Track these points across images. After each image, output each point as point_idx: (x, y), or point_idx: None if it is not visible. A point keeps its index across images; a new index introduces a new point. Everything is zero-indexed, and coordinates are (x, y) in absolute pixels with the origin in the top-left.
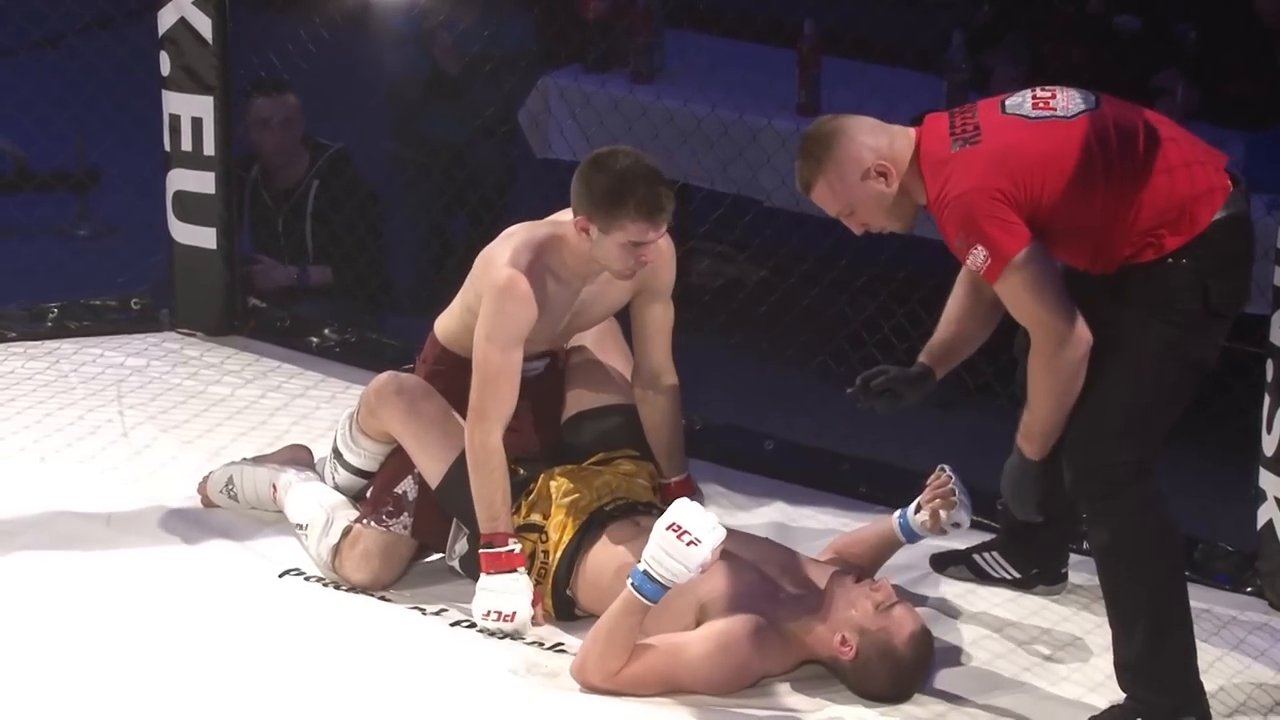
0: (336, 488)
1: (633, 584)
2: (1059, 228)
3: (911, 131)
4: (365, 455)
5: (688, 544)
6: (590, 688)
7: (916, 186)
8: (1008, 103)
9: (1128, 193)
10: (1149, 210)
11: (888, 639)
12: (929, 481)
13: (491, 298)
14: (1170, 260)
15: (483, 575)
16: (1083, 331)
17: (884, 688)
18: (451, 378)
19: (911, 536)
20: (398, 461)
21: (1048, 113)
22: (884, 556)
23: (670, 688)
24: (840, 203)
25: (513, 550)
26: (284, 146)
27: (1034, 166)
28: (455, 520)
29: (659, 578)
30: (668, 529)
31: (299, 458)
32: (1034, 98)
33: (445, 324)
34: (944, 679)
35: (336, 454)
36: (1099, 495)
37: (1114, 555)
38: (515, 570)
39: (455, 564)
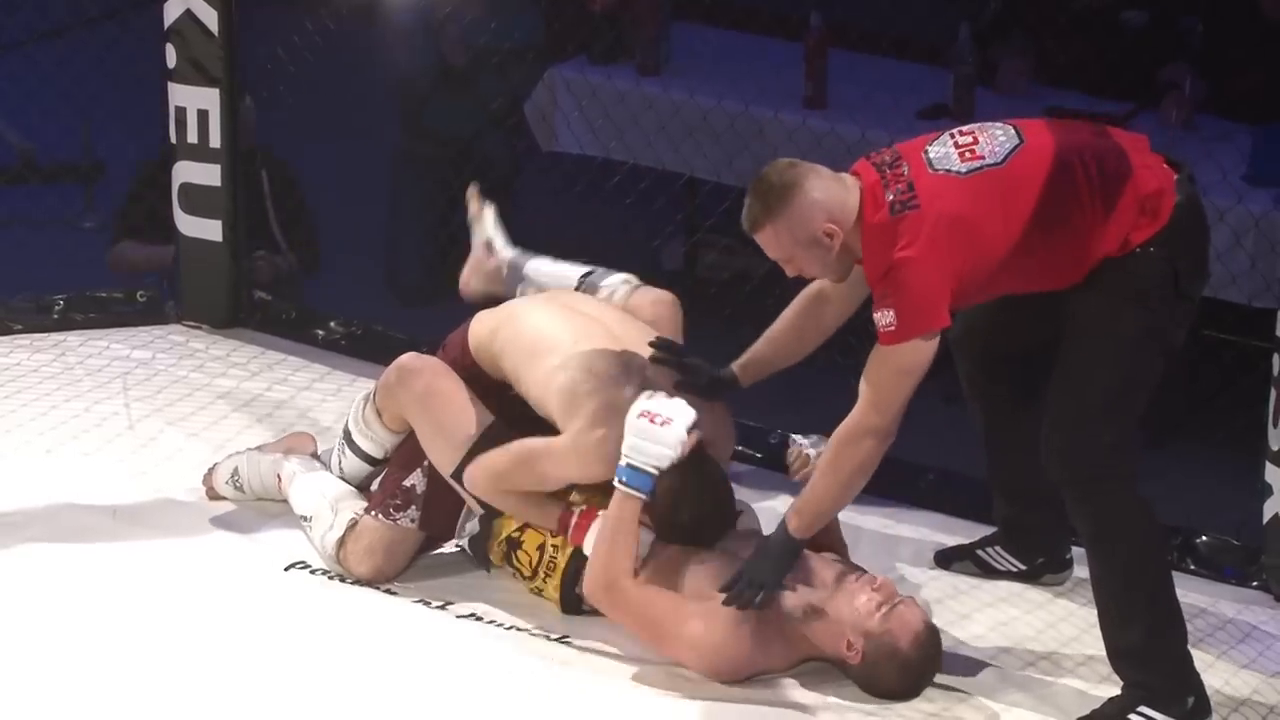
0: (342, 473)
1: (621, 481)
2: (1012, 270)
3: (857, 187)
4: (375, 440)
5: (660, 424)
6: (594, 600)
7: (856, 244)
8: (932, 156)
9: (1078, 220)
10: (1107, 228)
11: (893, 641)
12: (791, 463)
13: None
14: (1139, 251)
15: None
16: (891, 436)
17: (893, 687)
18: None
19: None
20: (407, 454)
21: (977, 163)
22: (831, 534)
23: (658, 640)
24: (782, 253)
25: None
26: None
27: (976, 232)
28: (466, 502)
29: (643, 466)
30: (639, 417)
31: (302, 445)
32: (956, 145)
33: (484, 340)
34: (951, 674)
35: (347, 436)
36: (1083, 478)
37: (1104, 539)
38: None
39: (464, 544)
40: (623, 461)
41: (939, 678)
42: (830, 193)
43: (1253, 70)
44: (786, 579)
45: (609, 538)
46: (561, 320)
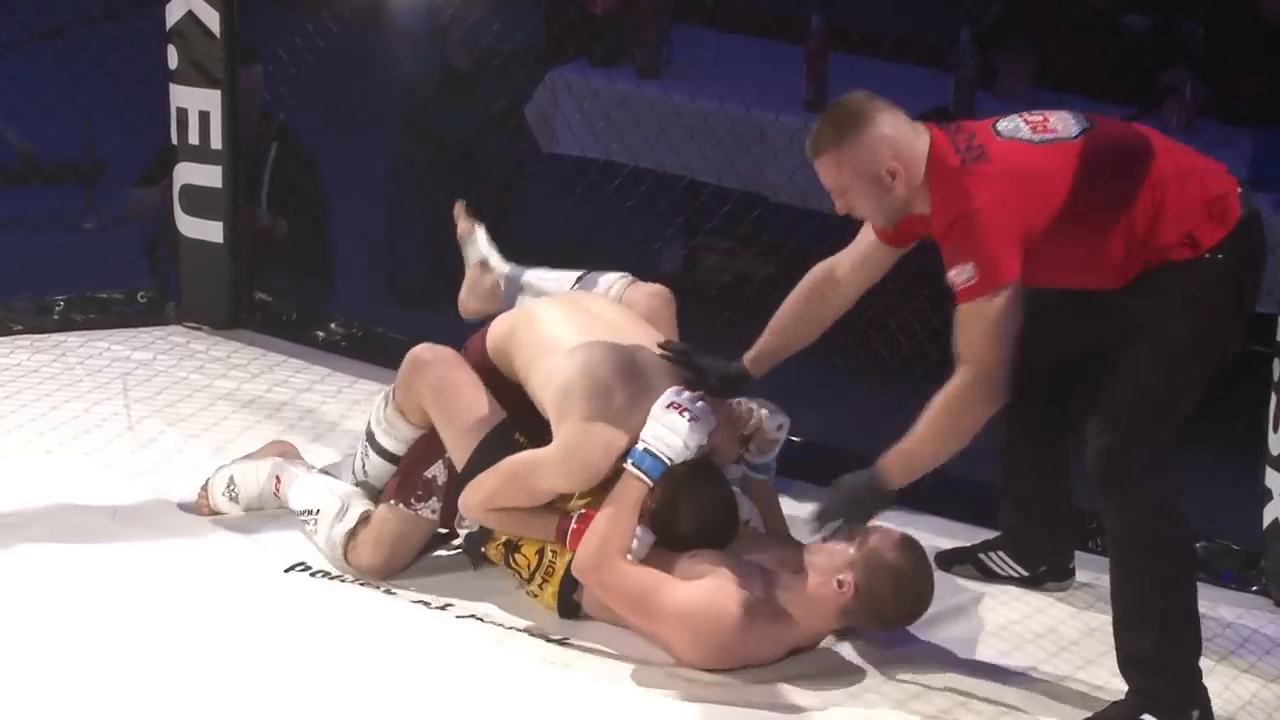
0: (366, 475)
1: (632, 463)
2: (1071, 248)
3: (927, 135)
4: (398, 438)
5: (688, 419)
6: (583, 574)
7: (918, 193)
8: (1000, 128)
9: (1145, 203)
10: (1172, 223)
11: (877, 556)
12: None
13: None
14: (1207, 256)
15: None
16: (1003, 395)
17: (897, 603)
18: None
19: (757, 470)
20: (427, 445)
21: (1049, 135)
22: (773, 509)
23: (645, 618)
24: (839, 183)
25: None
26: (248, 114)
27: (1050, 188)
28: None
29: (658, 453)
30: (668, 407)
31: (287, 452)
32: (1026, 121)
33: (501, 340)
34: (951, 677)
35: (369, 436)
36: (1124, 482)
37: (1134, 546)
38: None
39: (462, 537)
40: (640, 445)
41: (937, 680)
42: (901, 133)
43: (1254, 74)
44: (781, 571)
45: (608, 517)
46: (570, 319)
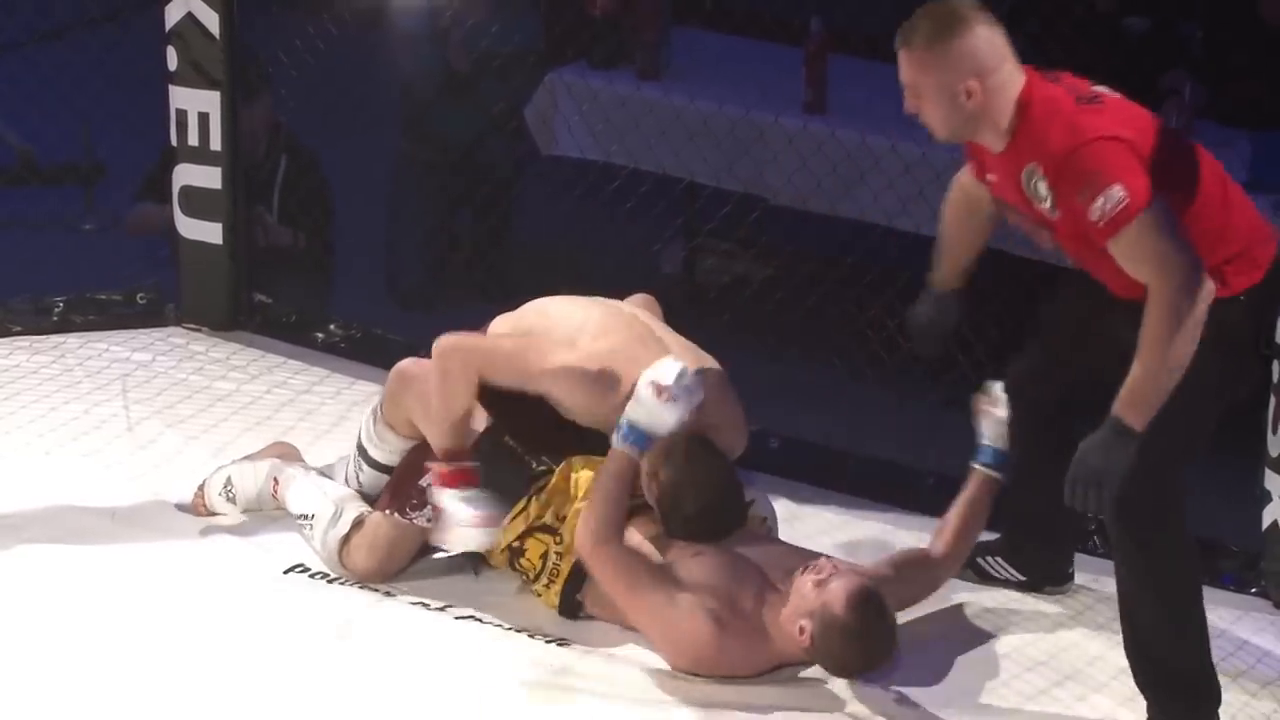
0: (361, 486)
1: (621, 435)
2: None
3: (1023, 72)
4: (388, 450)
5: (665, 400)
6: (581, 552)
7: (989, 124)
8: (1099, 88)
9: (1206, 221)
10: (1229, 237)
11: (828, 611)
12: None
13: None
14: (1240, 298)
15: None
16: (1209, 282)
17: (848, 658)
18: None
19: (995, 457)
20: (420, 455)
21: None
22: (982, 506)
23: (630, 608)
24: (914, 82)
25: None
26: (256, 135)
27: (1158, 141)
28: None
29: (645, 427)
30: (647, 385)
31: (288, 454)
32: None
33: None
34: (952, 684)
35: (361, 450)
36: (1146, 525)
37: (1151, 588)
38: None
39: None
40: (624, 417)
41: (928, 685)
42: (993, 57)
43: (1253, 77)
44: (777, 582)
45: (602, 495)
46: (585, 305)
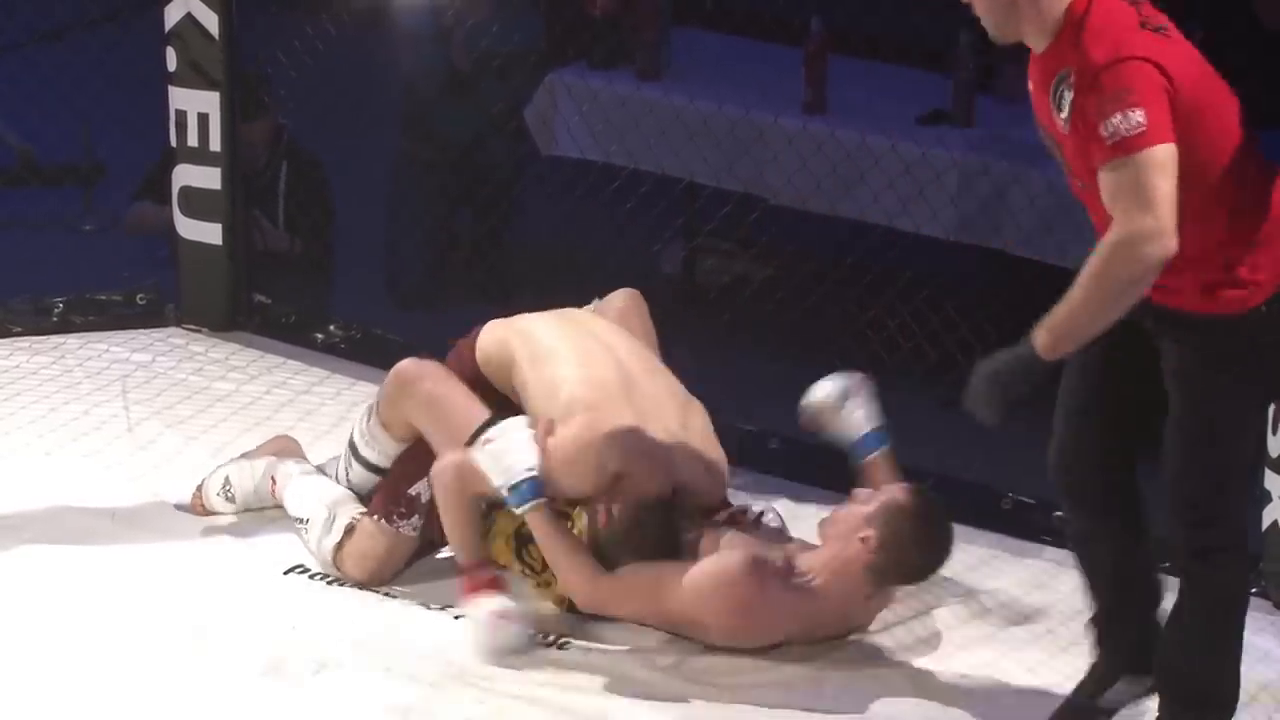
0: (350, 485)
1: (515, 507)
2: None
3: None
4: (381, 450)
5: (498, 438)
6: (590, 607)
7: (1041, 21)
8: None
9: (1257, 194)
10: (1245, 250)
11: (894, 503)
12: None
13: None
14: (1263, 309)
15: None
16: (1171, 248)
17: (919, 549)
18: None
19: (862, 445)
20: (412, 462)
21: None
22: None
23: (664, 607)
24: None
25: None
26: (256, 147)
27: (1218, 100)
28: None
29: (515, 480)
30: (482, 447)
31: (288, 448)
32: None
33: (492, 352)
34: (952, 686)
35: (353, 448)
36: (1213, 549)
37: (1216, 616)
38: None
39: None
40: (501, 490)
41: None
42: None
43: (1251, 78)
44: (774, 546)
45: (554, 552)
46: (572, 341)
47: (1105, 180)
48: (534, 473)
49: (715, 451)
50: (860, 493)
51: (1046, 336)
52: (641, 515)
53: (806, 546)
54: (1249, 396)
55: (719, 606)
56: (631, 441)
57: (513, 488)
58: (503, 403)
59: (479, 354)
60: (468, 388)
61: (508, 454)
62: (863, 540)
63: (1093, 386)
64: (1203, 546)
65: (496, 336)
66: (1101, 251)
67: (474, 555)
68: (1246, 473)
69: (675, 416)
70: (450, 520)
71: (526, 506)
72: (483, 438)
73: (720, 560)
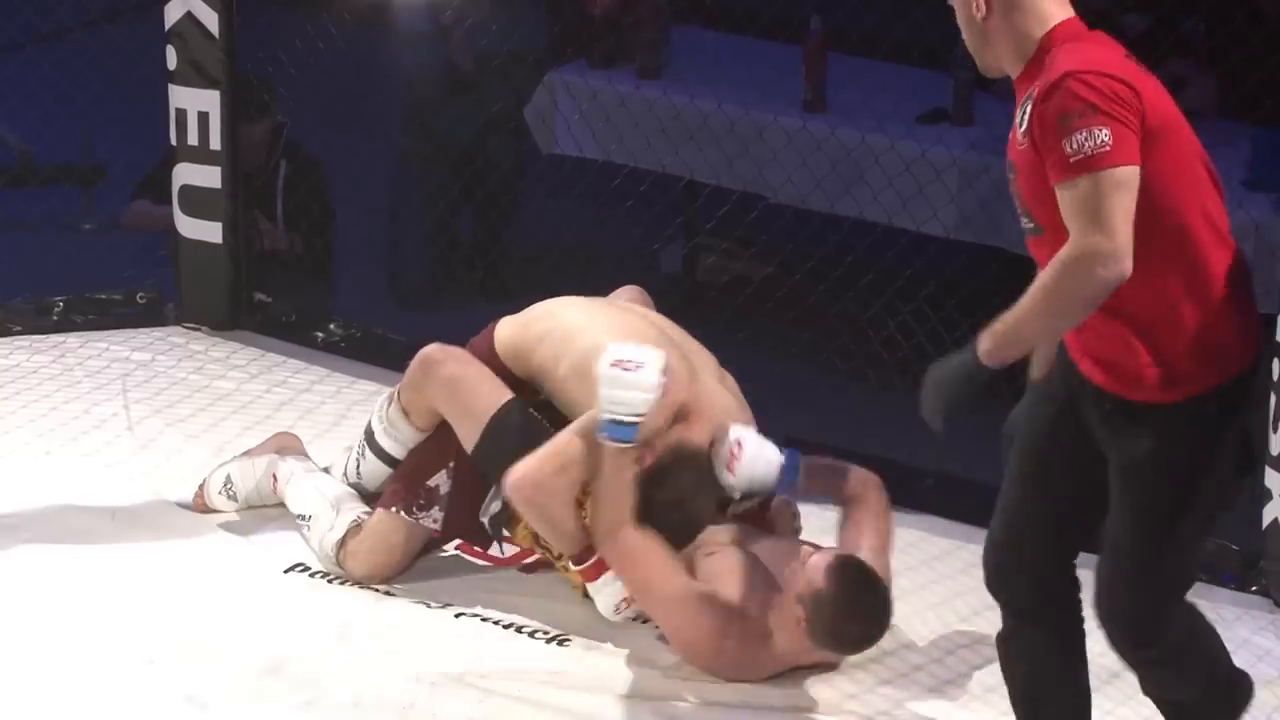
0: (360, 476)
1: (606, 436)
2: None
3: (1067, 13)
4: (398, 439)
5: (634, 369)
6: (598, 542)
7: (1013, 51)
8: None
9: (1215, 282)
10: (1215, 320)
11: (814, 587)
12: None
13: None
14: (1209, 405)
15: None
16: (1125, 271)
17: (841, 630)
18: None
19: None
20: (430, 453)
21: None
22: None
23: (642, 594)
24: None
25: None
26: (256, 147)
27: (1186, 149)
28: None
29: (625, 418)
30: (611, 365)
31: (290, 446)
32: None
33: (513, 337)
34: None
35: (369, 436)
36: (1153, 661)
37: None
38: None
39: (485, 520)
40: (604, 415)
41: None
42: None
43: (1254, 74)
44: (756, 582)
45: (607, 493)
46: (595, 311)
47: (1064, 198)
48: (642, 419)
49: (748, 415)
50: (801, 552)
51: (989, 343)
52: (675, 466)
53: (812, 550)
54: (1205, 492)
55: (678, 644)
56: (692, 381)
57: (616, 422)
58: (522, 390)
59: (498, 344)
60: (490, 371)
61: (634, 388)
62: (798, 623)
63: (1032, 491)
64: (1141, 660)
65: (517, 322)
66: (1055, 267)
67: (581, 544)
68: (1188, 587)
69: (715, 375)
70: (549, 521)
71: (613, 445)
72: (620, 356)
73: (696, 612)
